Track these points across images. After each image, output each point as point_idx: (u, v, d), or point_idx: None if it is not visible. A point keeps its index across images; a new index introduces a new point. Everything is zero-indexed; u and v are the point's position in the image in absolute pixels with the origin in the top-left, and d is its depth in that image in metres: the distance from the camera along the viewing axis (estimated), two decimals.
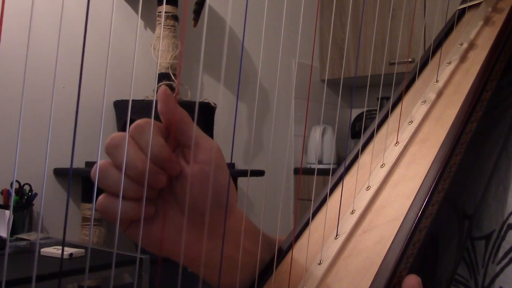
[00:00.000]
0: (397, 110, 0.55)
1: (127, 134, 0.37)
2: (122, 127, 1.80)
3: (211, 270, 0.42)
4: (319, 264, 0.43)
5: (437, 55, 0.60)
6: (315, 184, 0.55)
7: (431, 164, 0.46)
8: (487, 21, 0.59)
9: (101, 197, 0.37)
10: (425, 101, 0.54)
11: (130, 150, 0.36)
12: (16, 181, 1.55)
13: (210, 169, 0.38)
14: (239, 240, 0.43)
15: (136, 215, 0.37)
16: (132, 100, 1.99)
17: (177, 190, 0.40)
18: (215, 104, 1.62)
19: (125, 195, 0.36)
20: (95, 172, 0.36)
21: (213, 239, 0.41)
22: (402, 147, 0.50)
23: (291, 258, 0.44)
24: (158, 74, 1.86)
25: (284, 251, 0.46)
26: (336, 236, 0.44)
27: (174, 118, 0.38)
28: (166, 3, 1.85)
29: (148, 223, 0.39)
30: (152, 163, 0.37)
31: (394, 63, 2.54)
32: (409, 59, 2.25)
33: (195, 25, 1.88)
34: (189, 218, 0.40)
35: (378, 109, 0.58)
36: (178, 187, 0.39)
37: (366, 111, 2.69)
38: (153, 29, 2.06)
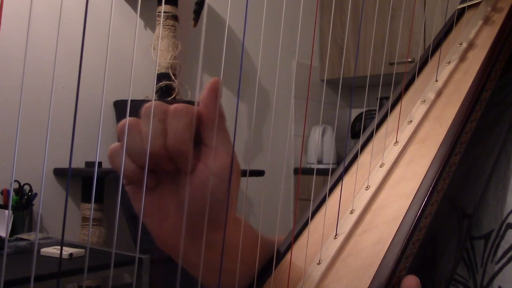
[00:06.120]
0: (397, 110, 0.55)
1: (152, 105, 0.37)
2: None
3: (195, 270, 0.42)
4: (318, 264, 0.42)
5: (437, 54, 0.60)
6: (314, 184, 0.54)
7: (431, 163, 0.46)
8: (486, 20, 0.59)
9: (115, 144, 0.38)
10: (425, 100, 0.54)
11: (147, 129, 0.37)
12: (16, 181, 1.55)
13: (215, 182, 0.38)
14: (232, 252, 0.43)
15: (136, 178, 0.38)
16: (132, 100, 1.97)
17: (180, 182, 0.40)
18: None
19: (132, 156, 0.37)
20: (122, 126, 0.37)
21: (200, 245, 0.40)
22: (402, 147, 0.50)
23: (290, 258, 0.44)
24: (158, 74, 1.86)
25: (283, 251, 0.46)
26: (336, 235, 0.44)
27: (212, 111, 0.38)
28: (166, 3, 1.85)
29: (147, 193, 0.39)
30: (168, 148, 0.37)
31: (393, 63, 2.54)
32: (409, 59, 2.25)
33: (195, 25, 1.88)
34: (182, 214, 0.40)
35: (377, 109, 0.58)
36: (182, 179, 0.40)
37: (366, 111, 2.68)
38: (153, 29, 2.06)
